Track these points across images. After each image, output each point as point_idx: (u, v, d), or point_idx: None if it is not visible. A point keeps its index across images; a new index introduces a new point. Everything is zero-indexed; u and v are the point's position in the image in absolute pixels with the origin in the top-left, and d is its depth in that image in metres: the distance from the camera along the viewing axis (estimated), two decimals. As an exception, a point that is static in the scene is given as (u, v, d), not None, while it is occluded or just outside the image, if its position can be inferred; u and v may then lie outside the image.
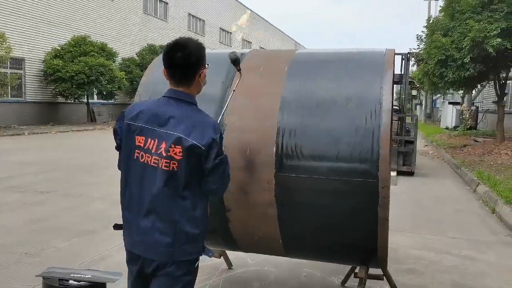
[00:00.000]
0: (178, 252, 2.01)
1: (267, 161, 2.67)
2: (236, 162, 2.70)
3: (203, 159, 1.98)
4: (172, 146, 1.95)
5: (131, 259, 2.13)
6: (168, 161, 1.95)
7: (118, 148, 2.15)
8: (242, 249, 3.19)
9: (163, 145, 1.96)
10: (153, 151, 1.98)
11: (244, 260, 4.17)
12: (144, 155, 2.00)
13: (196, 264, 2.13)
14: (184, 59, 2.02)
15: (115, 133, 2.13)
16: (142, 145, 2.00)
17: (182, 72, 2.05)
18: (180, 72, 2.05)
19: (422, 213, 6.59)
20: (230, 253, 3.94)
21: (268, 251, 3.20)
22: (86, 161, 10.86)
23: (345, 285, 3.72)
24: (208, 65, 2.16)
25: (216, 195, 2.26)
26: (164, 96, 2.10)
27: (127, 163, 2.07)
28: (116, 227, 2.25)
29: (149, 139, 1.99)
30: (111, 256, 4.37)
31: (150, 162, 1.98)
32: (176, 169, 1.96)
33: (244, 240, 3.00)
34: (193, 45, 2.07)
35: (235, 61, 2.65)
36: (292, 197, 2.69)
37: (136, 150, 2.02)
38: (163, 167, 1.96)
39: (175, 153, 1.95)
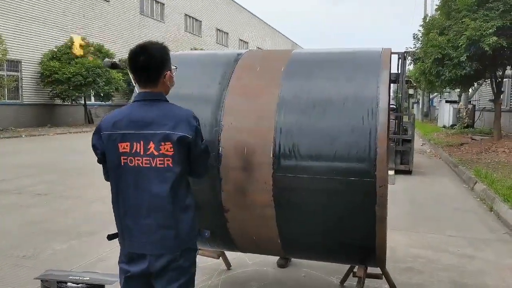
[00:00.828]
0: (183, 241, 2.11)
1: (265, 161, 2.67)
2: (234, 162, 2.70)
3: (192, 147, 2.08)
4: (162, 144, 2.01)
5: (133, 259, 2.13)
6: (162, 158, 2.02)
7: (100, 161, 2.18)
8: (241, 250, 3.19)
9: (151, 145, 2.02)
10: (141, 153, 2.02)
11: (243, 261, 4.17)
12: (133, 159, 2.03)
13: (196, 254, 2.25)
14: (146, 62, 2.09)
15: (95, 148, 2.15)
16: (128, 150, 2.03)
17: (147, 75, 2.12)
18: (145, 74, 2.12)
19: (420, 211, 6.60)
20: (229, 254, 3.94)
21: (266, 251, 3.20)
22: (84, 163, 10.82)
23: (344, 284, 3.72)
24: (175, 67, 2.25)
25: (201, 178, 2.35)
26: (135, 101, 2.15)
27: (116, 172, 2.10)
28: (110, 237, 2.30)
29: (135, 143, 2.03)
30: (109, 258, 4.36)
31: (142, 164, 2.03)
32: (171, 165, 2.03)
33: (242, 240, 3.00)
34: (156, 49, 2.13)
35: (114, 66, 2.73)
36: (290, 197, 2.69)
37: (122, 157, 2.05)
38: (158, 165, 2.02)
39: (167, 150, 2.02)
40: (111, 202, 2.18)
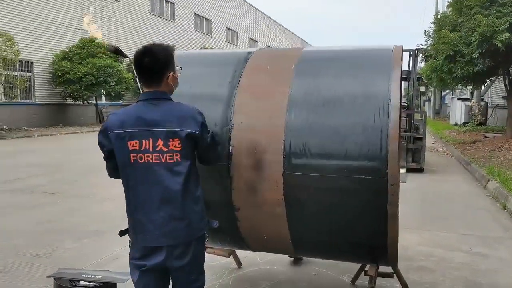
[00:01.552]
0: (195, 230, 2.20)
1: (275, 160, 2.66)
2: (244, 161, 2.70)
3: (199, 141, 2.20)
4: (170, 140, 2.11)
5: (147, 253, 2.18)
6: (171, 154, 2.11)
7: (106, 158, 2.25)
8: (251, 248, 3.19)
9: (160, 142, 2.10)
10: (151, 150, 2.10)
11: (253, 259, 4.17)
12: (143, 156, 2.10)
13: (206, 241, 2.36)
14: (150, 63, 2.16)
15: (101, 145, 2.21)
16: (137, 148, 2.10)
17: (150, 75, 2.19)
18: (149, 75, 2.19)
19: (432, 210, 6.54)
20: (240, 252, 3.94)
21: (277, 250, 3.20)
22: (95, 162, 10.86)
23: (355, 283, 3.70)
24: (180, 68, 2.31)
25: (212, 165, 2.50)
26: (140, 101, 2.21)
27: (125, 169, 2.16)
28: (122, 233, 2.36)
29: (143, 140, 2.10)
30: (121, 256, 4.38)
31: (152, 160, 2.10)
32: (179, 160, 2.13)
33: (253, 239, 3.00)
34: (160, 50, 2.20)
35: (117, 51, 2.80)
36: (301, 196, 2.68)
37: (132, 155, 2.11)
38: (168, 161, 2.11)
39: (175, 146, 2.11)
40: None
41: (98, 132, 2.22)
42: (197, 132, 2.15)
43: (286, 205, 2.69)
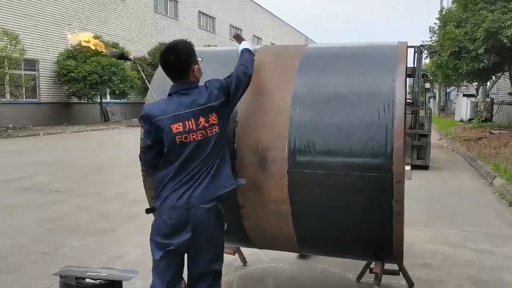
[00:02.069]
0: (226, 188, 2.43)
1: (280, 158, 2.66)
2: (249, 158, 2.70)
3: (232, 97, 2.50)
4: (210, 115, 2.37)
5: (175, 232, 2.34)
6: (211, 128, 2.37)
7: (148, 146, 2.41)
8: (256, 246, 3.19)
9: (201, 119, 2.35)
10: (195, 129, 2.33)
11: (259, 257, 4.17)
12: (188, 136, 2.33)
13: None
14: (175, 60, 2.40)
15: (148, 133, 2.39)
16: (181, 129, 2.32)
17: (177, 71, 2.43)
18: (176, 71, 2.43)
19: (437, 207, 6.52)
20: (245, 250, 3.95)
21: (282, 247, 3.19)
22: (100, 160, 10.96)
23: (361, 280, 3.69)
24: (201, 58, 2.53)
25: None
26: (171, 93, 2.43)
27: (173, 150, 2.35)
28: (149, 211, 2.54)
29: (186, 122, 2.32)
30: (127, 254, 4.41)
31: (198, 138, 2.34)
32: (218, 131, 2.40)
33: (258, 236, 3.00)
34: (182, 47, 2.43)
35: (121, 57, 2.97)
36: (305, 193, 2.67)
37: (177, 137, 2.32)
38: (209, 135, 2.37)
39: (213, 120, 2.38)
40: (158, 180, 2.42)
41: (140, 122, 2.42)
42: (225, 97, 2.43)
43: (291, 202, 2.69)
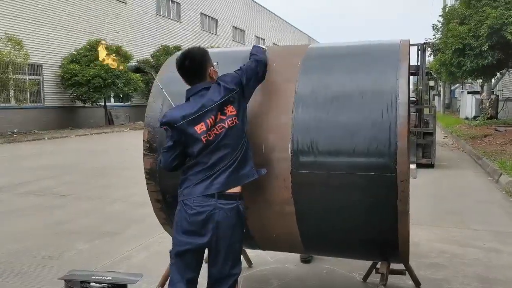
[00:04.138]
0: (249, 176, 2.52)
1: (283, 158, 2.65)
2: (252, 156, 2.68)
3: (245, 87, 2.57)
4: (225, 108, 2.46)
5: (194, 222, 2.41)
6: (231, 119, 2.46)
7: (170, 148, 2.49)
8: (261, 247, 3.18)
9: (218, 114, 2.44)
10: (214, 125, 2.43)
11: (263, 258, 4.16)
12: (211, 134, 2.43)
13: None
14: (190, 64, 2.52)
15: (171, 137, 2.47)
16: (204, 129, 2.41)
17: (193, 74, 2.54)
18: (192, 75, 2.54)
19: (443, 205, 6.48)
20: (250, 251, 3.93)
21: (287, 248, 3.18)
22: (105, 163, 10.99)
23: (367, 281, 3.67)
24: (217, 63, 2.62)
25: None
26: (190, 96, 2.52)
27: (200, 149, 2.43)
28: (170, 198, 2.75)
29: (207, 120, 2.42)
30: (132, 257, 4.40)
31: (218, 131, 2.44)
32: (237, 122, 2.48)
33: (262, 238, 2.98)
34: (196, 51, 2.56)
35: (138, 69, 3.01)
36: (309, 194, 2.66)
37: (202, 136, 2.41)
38: (230, 125, 2.45)
39: (231, 111, 2.48)
40: (187, 175, 2.50)
41: (160, 126, 2.53)
42: (237, 88, 2.51)
43: (295, 203, 2.68)
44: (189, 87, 2.56)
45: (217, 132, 2.43)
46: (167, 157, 2.52)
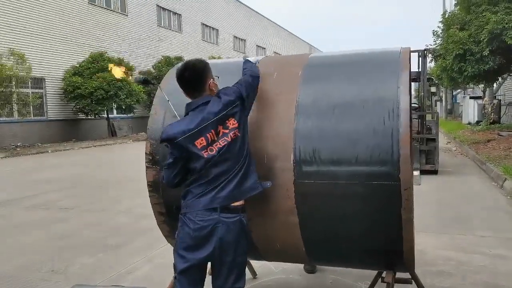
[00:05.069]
0: (252, 190, 2.50)
1: (285, 168, 2.64)
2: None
3: (245, 99, 2.56)
4: (227, 122, 2.44)
5: (198, 243, 2.39)
6: (233, 131, 2.44)
7: (171, 164, 2.49)
8: (265, 258, 3.16)
9: (220, 127, 2.43)
10: (216, 139, 2.42)
11: (268, 268, 4.13)
12: (213, 148, 2.41)
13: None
14: (190, 75, 2.50)
15: (172, 154, 2.47)
16: (205, 143, 2.40)
17: (192, 86, 2.53)
18: (191, 86, 2.53)
19: (448, 212, 6.44)
20: (254, 262, 3.91)
21: (291, 259, 3.16)
22: (108, 176, 10.99)
23: (373, 290, 3.64)
24: (217, 76, 2.63)
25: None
26: (189, 111, 2.49)
27: (202, 163, 2.41)
28: (176, 209, 2.61)
29: (207, 134, 2.40)
30: (136, 269, 4.39)
31: (221, 145, 2.41)
32: (238, 134, 2.46)
33: (266, 248, 2.97)
34: (196, 64, 2.54)
35: (145, 81, 3.00)
36: (313, 204, 2.65)
37: (203, 151, 2.39)
38: (232, 138, 2.43)
39: (232, 124, 2.45)
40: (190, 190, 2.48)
41: (161, 143, 2.55)
42: (238, 100, 2.49)
43: (298, 213, 2.67)
44: (189, 100, 2.55)
45: (220, 146, 2.41)
46: (169, 173, 2.52)
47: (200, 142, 2.40)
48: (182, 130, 2.41)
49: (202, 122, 2.40)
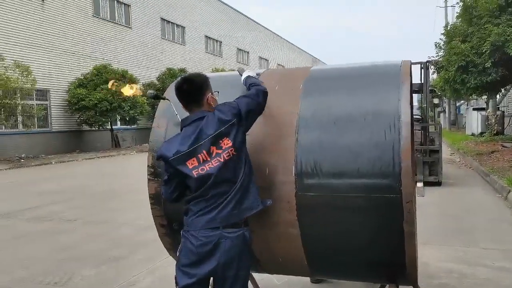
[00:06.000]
0: (252, 209, 2.47)
1: (287, 181, 2.64)
2: (256, 182, 2.68)
3: (243, 120, 2.48)
4: (220, 142, 2.38)
5: (201, 259, 2.37)
6: (227, 152, 2.38)
7: (167, 180, 2.50)
8: (266, 271, 3.15)
9: (213, 148, 2.38)
10: (209, 159, 2.37)
11: (270, 281, 4.11)
12: (205, 168, 2.36)
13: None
14: (189, 89, 2.50)
15: (166, 171, 2.48)
16: (196, 164, 2.36)
17: (190, 99, 2.52)
18: (189, 99, 2.52)
19: (452, 224, 6.41)
20: (256, 275, 3.89)
21: (293, 271, 3.15)
22: (111, 187, 11.00)
23: (375, 303, 3.62)
24: (217, 92, 2.63)
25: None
26: (185, 126, 2.47)
27: (194, 182, 2.38)
28: (176, 225, 2.68)
29: (199, 155, 2.37)
30: (139, 281, 4.38)
31: (213, 165, 2.36)
32: (234, 153, 2.40)
33: (267, 261, 2.96)
34: (195, 77, 2.56)
35: (156, 97, 2.97)
36: (314, 216, 2.65)
37: (194, 171, 2.36)
38: (226, 158, 2.37)
39: (226, 143, 2.39)
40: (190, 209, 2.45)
41: (157, 160, 2.59)
42: (234, 119, 2.42)
43: (299, 226, 2.66)
44: (187, 113, 2.54)
45: (212, 166, 2.36)
46: (166, 189, 2.54)
47: (192, 162, 2.37)
48: (175, 151, 2.39)
49: (194, 142, 2.37)
